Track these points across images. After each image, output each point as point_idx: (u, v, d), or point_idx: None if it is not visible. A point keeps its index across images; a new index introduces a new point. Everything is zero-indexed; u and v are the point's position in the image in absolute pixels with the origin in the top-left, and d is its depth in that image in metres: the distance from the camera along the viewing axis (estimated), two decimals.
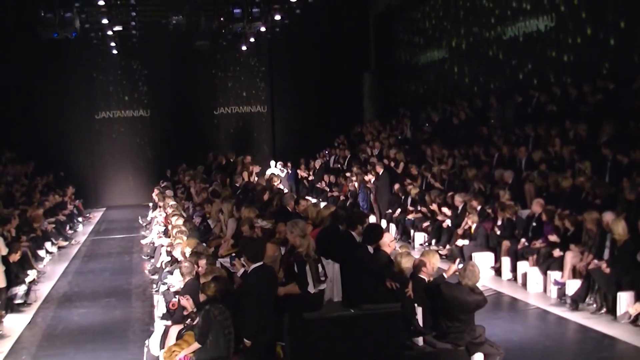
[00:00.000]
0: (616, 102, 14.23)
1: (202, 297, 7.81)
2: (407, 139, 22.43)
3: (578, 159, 13.55)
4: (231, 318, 7.59)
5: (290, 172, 25.98)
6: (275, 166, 25.49)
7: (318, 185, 23.86)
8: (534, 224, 12.84)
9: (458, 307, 7.90)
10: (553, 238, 12.04)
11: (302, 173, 25.69)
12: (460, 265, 9.46)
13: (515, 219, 13.49)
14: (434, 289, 8.28)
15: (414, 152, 20.33)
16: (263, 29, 25.31)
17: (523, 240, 12.90)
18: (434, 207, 16.12)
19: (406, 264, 8.46)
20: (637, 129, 13.25)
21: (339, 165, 23.68)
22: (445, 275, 8.60)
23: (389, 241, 8.75)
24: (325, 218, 9.99)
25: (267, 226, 10.36)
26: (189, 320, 8.36)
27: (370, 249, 8.12)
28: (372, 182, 19.06)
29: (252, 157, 23.70)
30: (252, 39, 26.68)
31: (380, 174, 18.89)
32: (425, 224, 16.38)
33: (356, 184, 20.11)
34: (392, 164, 19.74)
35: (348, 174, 21.35)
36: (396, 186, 18.37)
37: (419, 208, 17.02)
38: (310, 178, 25.11)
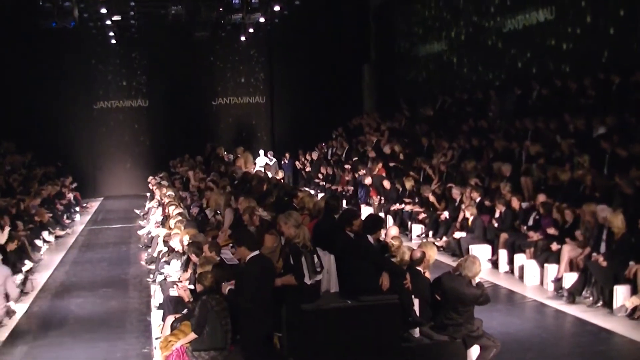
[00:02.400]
0: (616, 95, 14.19)
1: (199, 288, 7.79)
2: (406, 131, 22.38)
3: (577, 153, 13.53)
4: (228, 309, 7.58)
5: (287, 162, 25.94)
6: (266, 155, 25.45)
7: (316, 177, 23.81)
8: (536, 216, 12.80)
9: (455, 298, 7.88)
10: (552, 231, 12.03)
11: (299, 165, 25.64)
12: None
13: (518, 211, 13.45)
14: (436, 281, 8.28)
15: (413, 144, 20.29)
16: (262, 19, 25.26)
17: (524, 227, 12.91)
18: (432, 199, 16.10)
19: (404, 256, 8.45)
20: (637, 122, 13.23)
21: (337, 158, 23.63)
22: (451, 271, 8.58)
23: (394, 235, 8.74)
24: (323, 209, 9.96)
25: (266, 217, 10.33)
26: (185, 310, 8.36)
27: (371, 238, 8.09)
28: (371, 180, 18.99)
29: (249, 149, 23.67)
30: (251, 30, 26.58)
31: (376, 170, 18.87)
32: (423, 216, 16.37)
33: (356, 175, 20.06)
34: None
35: (347, 166, 21.31)
36: (386, 183, 18.33)
37: (416, 200, 17.02)
38: (308, 169, 25.07)
